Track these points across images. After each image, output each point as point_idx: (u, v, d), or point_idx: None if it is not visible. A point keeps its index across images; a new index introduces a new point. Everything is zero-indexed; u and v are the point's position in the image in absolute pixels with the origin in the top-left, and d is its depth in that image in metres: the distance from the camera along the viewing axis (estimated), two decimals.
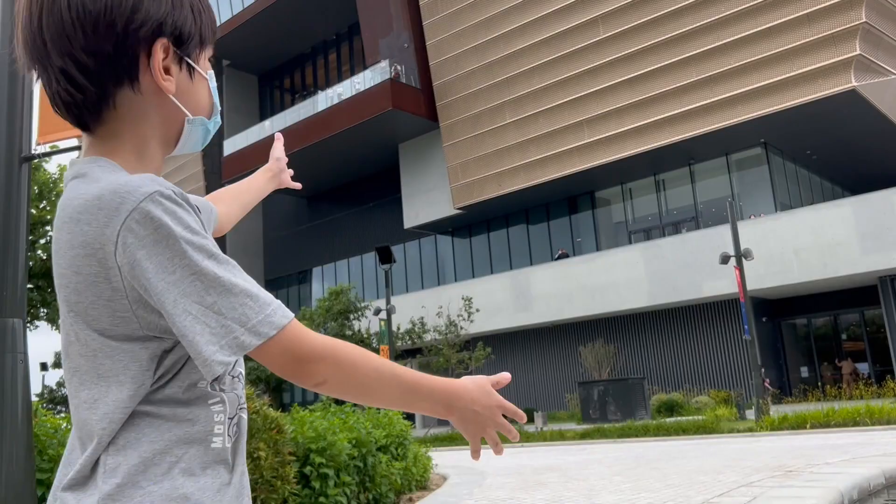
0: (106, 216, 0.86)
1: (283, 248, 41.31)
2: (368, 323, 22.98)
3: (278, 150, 1.63)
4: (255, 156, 34.74)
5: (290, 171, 1.67)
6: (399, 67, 30.53)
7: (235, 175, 36.08)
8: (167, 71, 0.97)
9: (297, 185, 1.67)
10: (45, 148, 4.04)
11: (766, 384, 18.54)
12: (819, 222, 21.51)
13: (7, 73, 3.80)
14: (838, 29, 21.16)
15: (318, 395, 35.98)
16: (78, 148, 4.18)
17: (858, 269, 20.76)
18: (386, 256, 20.78)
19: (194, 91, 1.03)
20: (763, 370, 19.14)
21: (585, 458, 10.95)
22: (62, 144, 4.06)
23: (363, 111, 30.64)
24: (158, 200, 0.87)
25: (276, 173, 1.61)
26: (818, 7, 21.38)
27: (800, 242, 21.66)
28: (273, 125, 34.78)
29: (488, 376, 1.09)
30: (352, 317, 22.59)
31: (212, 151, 40.52)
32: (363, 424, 6.06)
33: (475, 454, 1.10)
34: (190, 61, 1.02)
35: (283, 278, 41.47)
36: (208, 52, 1.07)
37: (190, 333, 0.87)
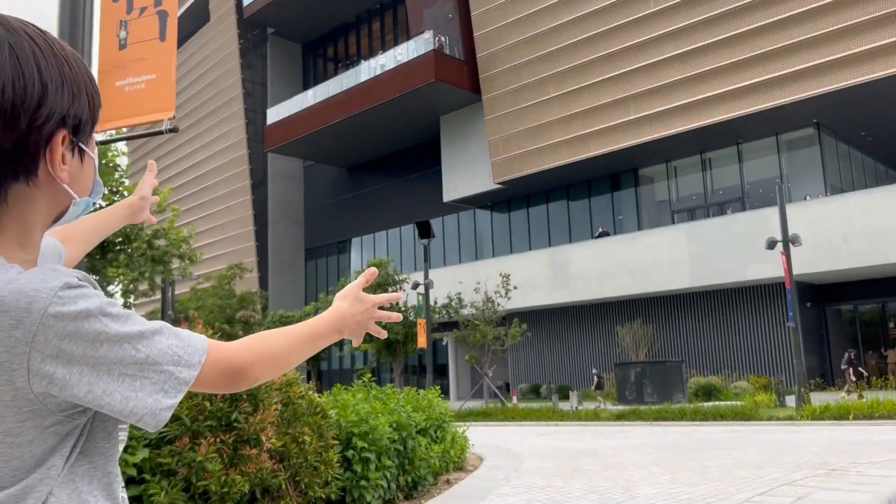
0: (13, 318, 0.84)
1: (323, 218, 41.66)
2: (406, 296, 23.12)
3: (146, 188, 1.56)
4: (298, 125, 34.95)
5: (155, 200, 1.60)
6: (443, 38, 30.27)
7: (278, 143, 36.38)
8: (62, 160, 0.95)
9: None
10: (101, 136, 4.10)
11: (851, 373, 18.22)
12: (871, 206, 20.89)
13: None
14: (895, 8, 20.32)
15: (353, 366, 36.52)
16: (131, 136, 4.23)
17: None
18: (425, 231, 20.81)
19: (83, 174, 1.00)
20: (852, 354, 18.84)
21: (621, 444, 10.93)
22: None
23: (406, 82, 30.52)
24: (67, 293, 0.86)
25: (135, 210, 1.55)
26: None
27: (850, 227, 21.08)
28: (315, 95, 34.87)
29: (354, 283, 1.25)
30: (390, 289, 22.74)
31: (255, 119, 40.87)
32: (404, 408, 6.12)
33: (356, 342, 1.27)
34: (83, 146, 0.99)
35: (323, 247, 41.89)
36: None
37: (132, 395, 0.89)
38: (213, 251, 40.12)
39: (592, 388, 23.85)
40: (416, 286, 21.04)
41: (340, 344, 30.33)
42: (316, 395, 4.92)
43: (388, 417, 5.67)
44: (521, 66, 28.75)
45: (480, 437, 11.30)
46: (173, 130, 3.87)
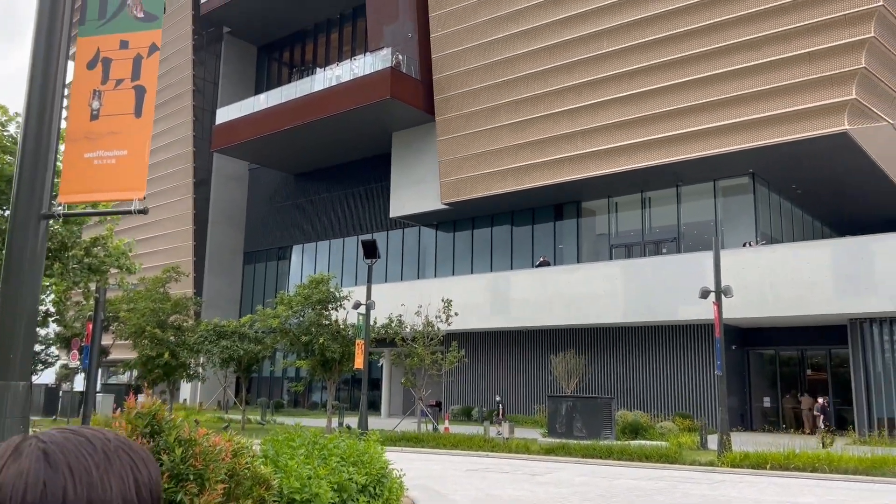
0: None
1: (265, 223, 41.15)
2: (346, 314, 23.05)
3: None
4: (248, 127, 34.49)
5: None
6: (401, 57, 30.39)
7: (225, 144, 35.81)
8: None
9: None
10: (64, 208, 4.05)
11: (822, 420, 18.83)
12: (798, 260, 21.91)
13: (35, 128, 3.81)
14: (837, 71, 21.42)
15: (294, 375, 36.07)
16: (99, 213, 4.20)
17: (830, 310, 21.22)
18: (371, 251, 20.81)
19: None
20: (824, 400, 19.45)
21: (555, 493, 11.19)
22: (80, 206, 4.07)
23: (361, 96, 30.50)
24: None
25: None
26: (820, 48, 21.61)
27: (777, 277, 22.06)
28: (269, 99, 34.51)
29: None
30: (330, 307, 22.63)
31: (204, 117, 40.12)
32: (345, 466, 6.18)
33: None
34: None
35: (262, 252, 41.35)
36: None
37: None
38: (149, 247, 39.09)
39: (495, 414, 24.25)
40: (357, 306, 20.99)
41: (273, 357, 29.94)
42: (261, 466, 4.94)
43: (330, 478, 5.73)
44: (476, 92, 29.08)
45: (413, 471, 11.39)
46: (143, 212, 3.86)
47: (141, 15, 3.88)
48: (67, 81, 4.03)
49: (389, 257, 34.73)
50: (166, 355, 24.01)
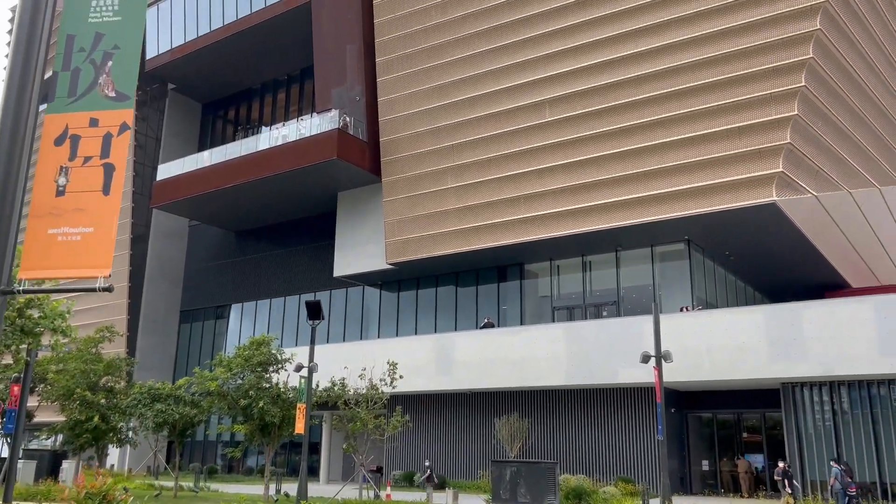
0: None
1: (204, 281, 40.31)
2: (287, 376, 22.58)
3: None
4: (190, 184, 34.08)
5: None
6: (348, 119, 30.76)
7: (166, 200, 35.24)
8: None
9: None
10: (24, 284, 3.97)
11: (787, 485, 18.86)
12: (733, 325, 22.64)
13: None
14: (765, 146, 22.63)
15: (231, 439, 34.83)
16: (61, 290, 4.14)
17: (764, 374, 21.89)
18: (315, 312, 20.58)
19: None
20: (786, 465, 19.55)
21: None
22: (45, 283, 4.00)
23: (307, 156, 30.62)
24: None
25: None
26: (749, 123, 22.84)
27: (713, 341, 22.70)
28: (212, 156, 34.28)
29: None
30: (271, 369, 22.15)
31: (144, 172, 39.50)
32: None
33: None
34: None
35: (200, 310, 40.37)
36: None
37: None
38: (82, 304, 37.74)
39: (423, 478, 23.94)
40: (299, 368, 20.61)
41: (209, 421, 28.97)
42: None
43: None
44: (422, 155, 29.55)
45: None
46: (107, 290, 3.82)
47: (112, 94, 3.91)
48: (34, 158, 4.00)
49: (332, 317, 34.39)
50: (96, 419, 22.95)
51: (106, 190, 3.85)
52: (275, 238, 37.76)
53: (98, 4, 3.98)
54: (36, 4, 3.74)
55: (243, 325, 38.04)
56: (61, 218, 3.84)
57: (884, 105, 26.29)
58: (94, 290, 3.80)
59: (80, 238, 3.82)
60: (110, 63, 3.92)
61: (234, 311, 38.89)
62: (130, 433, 25.50)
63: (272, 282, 37.48)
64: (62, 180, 3.91)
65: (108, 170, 3.89)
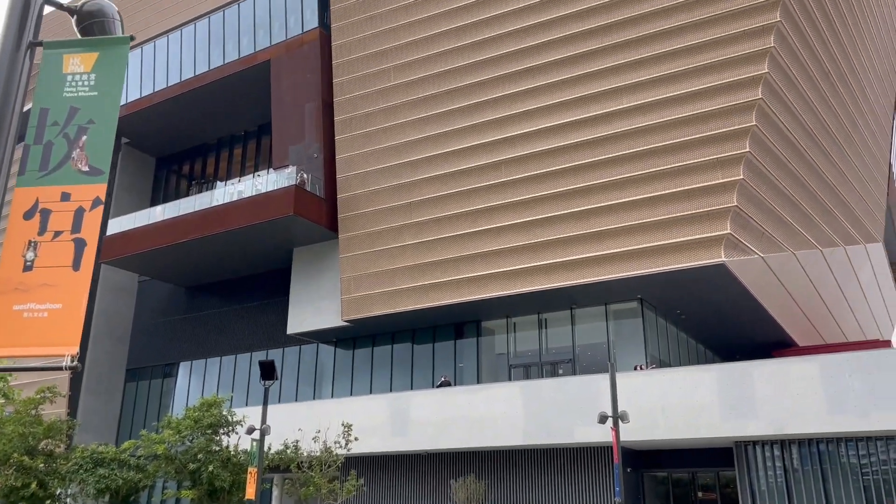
0: None
1: (152, 338, 39.23)
2: (238, 438, 21.94)
3: None
4: (141, 239, 33.44)
5: None
6: (305, 175, 30.79)
7: (116, 256, 34.47)
8: None
9: None
10: None
11: None
12: (687, 384, 22.95)
13: None
14: (713, 208, 23.40)
15: None
16: (25, 368, 4.01)
17: (717, 433, 22.14)
18: (269, 372, 20.17)
19: None
20: None
21: None
22: None
23: (263, 212, 30.44)
24: None
25: None
26: (698, 186, 23.63)
27: (668, 400, 22.93)
28: (165, 211, 33.81)
29: None
30: (221, 431, 21.51)
31: None
32: None
33: None
34: None
35: (147, 369, 39.17)
36: None
37: None
38: (23, 362, 36.25)
39: None
40: (251, 431, 20.07)
41: (154, 487, 27.83)
42: None
43: None
44: (380, 212, 29.67)
45: None
46: (73, 369, 3.72)
47: (86, 169, 3.88)
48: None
49: (285, 375, 33.73)
50: (34, 486, 21.81)
51: (76, 265, 3.78)
52: (227, 294, 37.13)
53: (74, 79, 3.98)
54: (8, 83, 3.72)
55: (192, 383, 36.99)
56: (28, 294, 3.74)
57: (823, 171, 27.55)
58: (60, 368, 3.70)
59: (48, 315, 3.73)
60: (84, 137, 3.90)
61: (183, 369, 37.83)
62: (70, 500, 24.29)
63: (223, 339, 36.69)
64: (30, 255, 3.83)
65: (79, 245, 3.83)
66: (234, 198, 31.88)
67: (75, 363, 3.75)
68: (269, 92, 33.03)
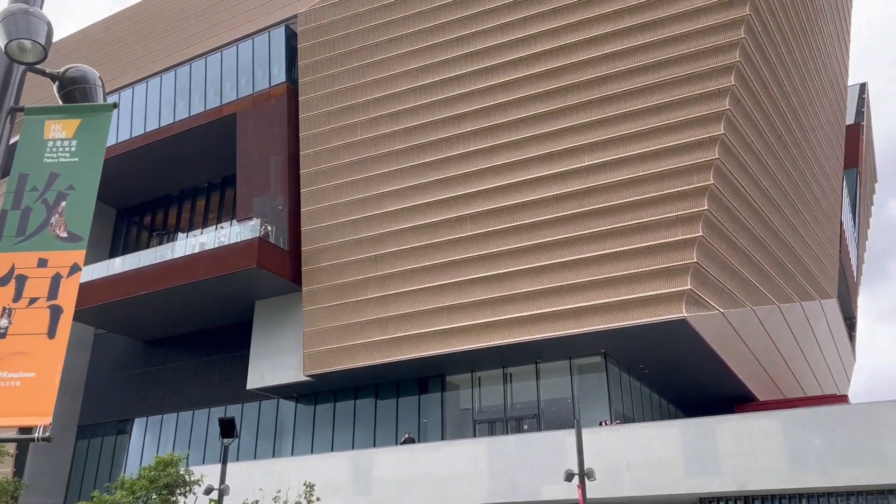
0: None
1: (107, 393, 38.05)
2: (196, 499, 21.22)
3: None
4: (100, 292, 32.67)
5: None
6: (269, 228, 30.65)
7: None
8: None
9: None
10: None
11: None
12: (650, 440, 22.98)
13: None
14: (674, 264, 23.87)
15: None
16: None
17: (681, 490, 22.12)
18: (229, 430, 19.67)
19: None
20: None
21: None
22: None
23: (226, 265, 30.10)
24: None
25: None
26: (659, 242, 24.13)
27: (632, 456, 22.90)
28: (125, 263, 33.22)
29: None
30: (178, 492, 20.80)
31: None
32: None
33: None
34: None
35: (100, 425, 37.86)
36: None
37: None
38: None
39: None
40: (209, 491, 19.45)
41: None
42: None
43: None
44: (344, 265, 29.57)
45: None
46: (46, 440, 3.62)
47: (64, 235, 3.85)
48: None
49: (244, 431, 32.88)
50: None
51: (51, 333, 3.71)
52: (186, 348, 36.34)
53: (55, 145, 3.97)
54: None
55: (147, 441, 35.82)
56: (1, 362, 3.66)
57: (778, 229, 28.41)
58: (32, 439, 3.59)
59: (20, 383, 3.63)
60: (64, 203, 3.88)
61: (138, 425, 36.65)
62: None
63: (181, 394, 35.75)
64: (4, 322, 3.75)
65: (55, 312, 3.76)
66: (197, 250, 31.51)
67: (48, 434, 3.65)
68: (234, 144, 33.05)
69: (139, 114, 35.89)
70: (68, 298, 3.86)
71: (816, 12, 32.92)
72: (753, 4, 24.89)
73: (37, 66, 4.03)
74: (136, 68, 38.33)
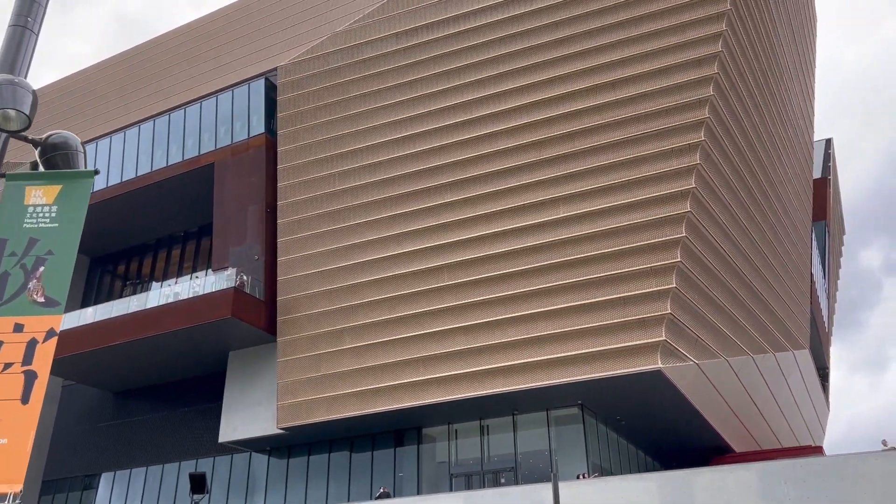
0: None
1: (73, 447, 37.05)
2: None
3: None
4: (70, 342, 32.04)
5: None
6: (245, 278, 30.50)
7: None
8: None
9: None
10: None
11: None
12: (627, 493, 22.77)
13: None
14: (648, 315, 24.08)
15: None
16: None
17: None
18: (199, 485, 19.26)
19: None
20: None
21: None
22: None
23: (200, 315, 29.80)
24: None
25: None
26: (633, 293, 24.37)
27: None
28: (97, 313, 32.74)
29: None
30: None
31: None
32: None
33: None
34: None
35: (65, 480, 36.75)
36: None
37: None
38: None
39: None
40: None
41: None
42: None
43: None
44: (319, 315, 29.42)
45: None
46: None
47: (42, 300, 3.87)
48: None
49: (215, 486, 32.12)
50: None
51: (25, 399, 3.70)
52: (157, 400, 35.65)
53: (35, 211, 4.03)
54: None
55: (114, 496, 34.81)
56: None
57: (750, 280, 28.88)
58: None
59: None
60: (42, 268, 3.91)
61: (105, 480, 35.64)
62: None
63: (150, 448, 34.92)
64: None
65: (30, 377, 3.76)
66: (171, 299, 31.21)
67: (17, 501, 3.61)
68: (211, 194, 33.09)
69: (116, 163, 35.89)
70: (43, 364, 3.86)
71: (782, 72, 34.12)
72: (721, 63, 25.77)
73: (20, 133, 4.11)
74: (116, 118, 38.46)
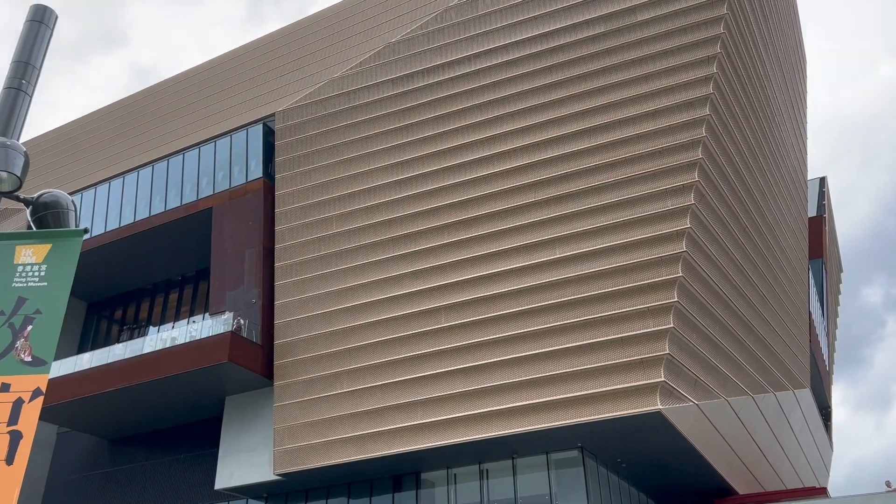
0: None
1: (68, 495, 36.48)
2: None
3: None
4: (66, 389, 31.81)
5: None
6: (242, 322, 30.42)
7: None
8: None
9: None
10: None
11: None
12: None
13: None
14: (647, 356, 23.97)
15: None
16: None
17: None
18: None
19: None
20: None
21: None
22: None
23: (197, 360, 29.63)
24: None
25: None
26: (630, 334, 24.29)
27: None
28: (93, 359, 32.55)
29: None
30: None
31: None
32: None
33: None
34: None
35: None
36: None
37: None
38: None
39: None
40: None
41: None
42: None
43: None
44: (316, 359, 29.27)
45: None
46: None
47: (29, 359, 3.89)
48: None
49: None
50: None
51: (10, 459, 3.68)
52: (152, 446, 35.23)
53: (24, 270, 4.07)
54: None
55: None
56: None
57: (748, 319, 28.83)
58: None
59: None
60: (30, 328, 3.94)
61: None
62: None
63: (146, 495, 34.39)
64: None
65: (15, 437, 3.75)
66: (167, 345, 31.08)
67: None
68: (209, 238, 33.19)
69: (115, 208, 36.08)
70: (29, 424, 3.85)
71: (773, 112, 34.57)
72: (713, 105, 26.13)
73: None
74: (115, 164, 38.78)
